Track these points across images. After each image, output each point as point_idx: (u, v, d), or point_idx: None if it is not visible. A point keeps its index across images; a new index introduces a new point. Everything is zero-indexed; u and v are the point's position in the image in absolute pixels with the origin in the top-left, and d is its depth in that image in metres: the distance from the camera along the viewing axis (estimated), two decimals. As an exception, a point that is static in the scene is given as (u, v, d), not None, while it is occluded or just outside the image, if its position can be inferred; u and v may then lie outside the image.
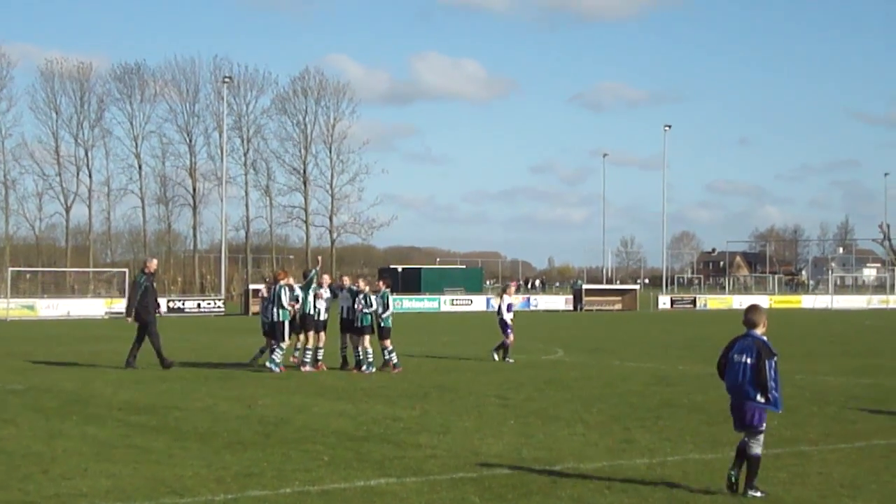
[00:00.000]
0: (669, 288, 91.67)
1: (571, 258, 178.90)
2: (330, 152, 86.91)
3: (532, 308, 65.52)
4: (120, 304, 55.72)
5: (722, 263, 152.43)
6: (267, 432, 13.81)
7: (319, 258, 27.33)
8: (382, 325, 22.46)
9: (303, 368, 22.51)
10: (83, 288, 73.96)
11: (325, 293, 23.12)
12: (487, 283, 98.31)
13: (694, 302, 75.38)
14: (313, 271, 23.46)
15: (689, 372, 22.96)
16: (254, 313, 49.57)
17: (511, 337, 25.51)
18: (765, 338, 10.21)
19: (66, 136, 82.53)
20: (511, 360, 25.00)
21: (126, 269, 62.29)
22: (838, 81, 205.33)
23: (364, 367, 22.37)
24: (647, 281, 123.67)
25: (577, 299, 69.61)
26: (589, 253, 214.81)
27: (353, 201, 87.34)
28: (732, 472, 10.11)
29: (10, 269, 62.34)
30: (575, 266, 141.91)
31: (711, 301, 76.90)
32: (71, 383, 19.92)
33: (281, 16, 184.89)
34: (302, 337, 23.00)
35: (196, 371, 22.27)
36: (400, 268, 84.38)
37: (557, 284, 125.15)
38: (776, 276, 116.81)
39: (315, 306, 22.89)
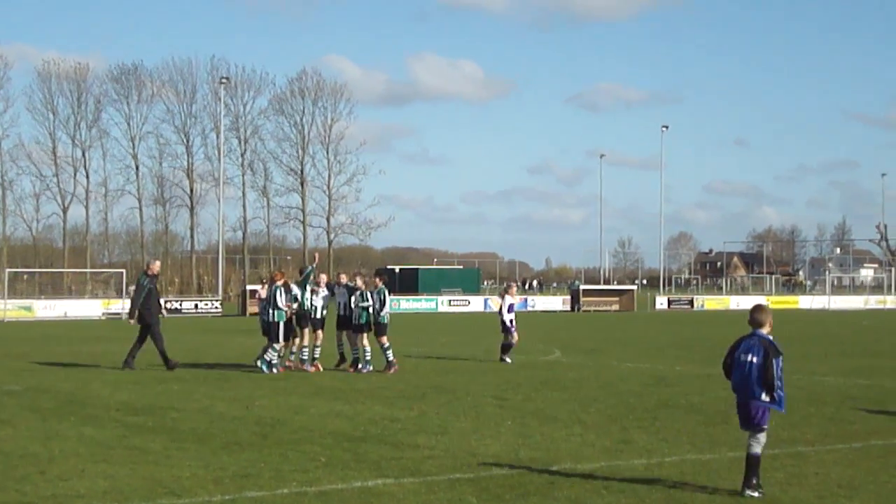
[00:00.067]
0: (667, 288, 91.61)
1: (569, 259, 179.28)
2: (327, 153, 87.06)
3: (529, 309, 65.50)
4: (117, 305, 55.90)
5: (719, 264, 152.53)
6: (264, 433, 13.81)
7: (316, 255, 27.33)
8: (379, 322, 22.46)
9: (301, 367, 22.51)
10: (80, 289, 73.93)
11: (323, 291, 23.13)
12: (485, 283, 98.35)
13: (691, 302, 75.39)
14: (310, 268, 23.47)
15: (686, 372, 22.97)
16: (251, 314, 49.54)
17: (515, 337, 25.51)
18: (771, 337, 10.24)
19: (63, 137, 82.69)
20: (509, 361, 25.01)
21: (123, 270, 62.27)
22: (836, 82, 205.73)
23: (361, 366, 22.38)
24: (644, 282, 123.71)
25: (575, 300, 69.62)
26: (586, 253, 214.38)
27: (350, 202, 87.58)
28: (748, 491, 10.05)
29: (8, 269, 62.30)
30: (572, 267, 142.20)
31: (709, 302, 76.91)
32: (68, 384, 19.90)
33: (278, 17, 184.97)
34: (299, 337, 22.98)
35: (193, 372, 22.25)
36: (397, 268, 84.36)
37: (555, 285, 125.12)
38: (773, 277, 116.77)
39: (312, 303, 22.91)
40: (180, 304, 58.48)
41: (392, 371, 22.15)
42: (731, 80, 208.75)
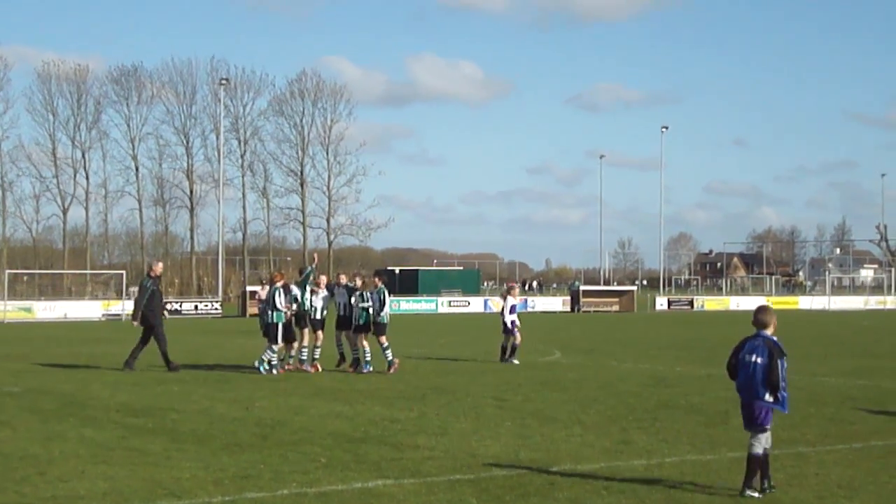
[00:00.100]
0: (667, 289, 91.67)
1: (569, 259, 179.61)
2: (327, 154, 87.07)
3: (529, 309, 65.48)
4: (117, 307, 55.89)
5: (719, 265, 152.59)
6: (264, 434, 13.80)
7: (315, 255, 27.31)
8: (379, 321, 22.44)
9: (300, 367, 22.52)
10: (80, 290, 73.95)
11: (322, 292, 23.12)
12: (485, 284, 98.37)
13: (691, 303, 75.39)
14: (309, 268, 23.48)
15: (686, 373, 22.96)
16: (251, 315, 49.54)
17: (518, 338, 25.48)
18: (775, 338, 10.27)
19: (63, 139, 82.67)
20: (515, 362, 25.01)
21: (123, 272, 62.23)
22: (836, 82, 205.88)
23: (362, 367, 22.37)
24: (644, 282, 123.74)
25: (575, 300, 69.60)
26: (586, 254, 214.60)
27: (350, 203, 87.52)
28: (748, 491, 10.06)
29: (8, 271, 62.25)
30: (572, 267, 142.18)
31: (709, 302, 76.91)
32: (68, 385, 19.90)
33: (278, 18, 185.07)
34: (297, 340, 22.97)
35: (193, 373, 22.25)
36: (397, 269, 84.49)
37: (555, 286, 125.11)
38: (773, 278, 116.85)
39: (312, 304, 22.91)
40: (180, 306, 58.46)
41: (393, 370, 22.13)
42: (730, 81, 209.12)
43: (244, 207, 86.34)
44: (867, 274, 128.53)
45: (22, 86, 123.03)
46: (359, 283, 23.04)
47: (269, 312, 22.43)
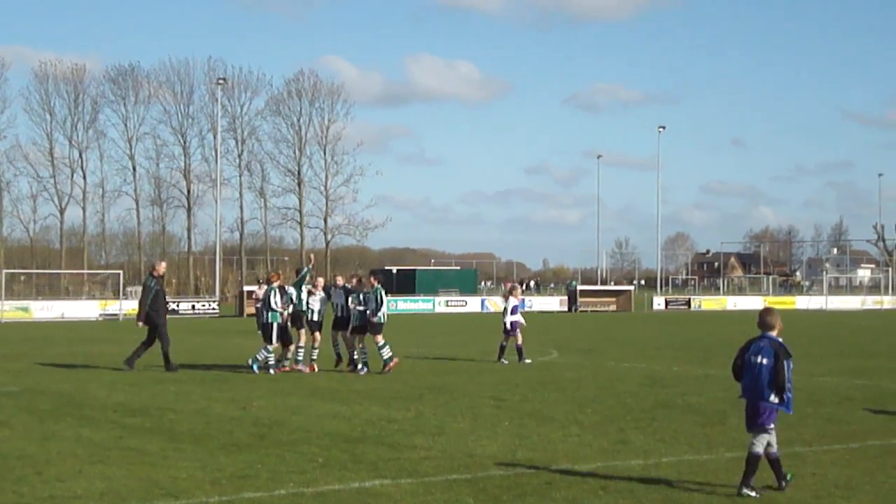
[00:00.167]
0: (664, 289, 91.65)
1: (566, 259, 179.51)
2: (324, 154, 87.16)
3: (527, 309, 65.42)
4: (114, 306, 55.88)
5: (716, 264, 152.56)
6: (261, 434, 13.80)
7: (312, 256, 27.32)
8: (375, 322, 22.37)
9: (295, 367, 22.50)
10: (77, 290, 73.90)
11: (320, 294, 23.11)
12: (482, 284, 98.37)
13: (688, 303, 75.43)
14: (306, 269, 23.48)
15: (683, 373, 22.97)
16: (248, 315, 49.53)
17: (519, 338, 25.46)
18: (780, 339, 10.30)
19: (60, 138, 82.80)
20: (505, 362, 25.01)
21: (120, 271, 62.24)
22: (833, 82, 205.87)
23: (360, 368, 22.35)
24: (642, 282, 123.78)
25: (572, 300, 69.61)
26: (584, 254, 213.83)
27: (347, 203, 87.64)
28: (745, 490, 10.08)
29: (5, 270, 62.09)
30: (570, 267, 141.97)
31: (706, 302, 76.94)
32: (65, 385, 19.89)
33: (275, 17, 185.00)
34: (294, 341, 22.96)
35: (191, 373, 22.24)
36: (394, 269, 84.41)
37: (552, 285, 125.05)
38: (770, 277, 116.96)
39: (308, 305, 22.89)
40: (177, 305, 58.38)
41: (388, 369, 22.05)
42: (728, 81, 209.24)
43: (241, 207, 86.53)
44: (864, 274, 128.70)
45: (19, 85, 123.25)
46: (355, 284, 23.03)
47: (265, 312, 22.45)
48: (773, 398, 10.14)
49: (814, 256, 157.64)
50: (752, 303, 78.53)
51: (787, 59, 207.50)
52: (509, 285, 27.27)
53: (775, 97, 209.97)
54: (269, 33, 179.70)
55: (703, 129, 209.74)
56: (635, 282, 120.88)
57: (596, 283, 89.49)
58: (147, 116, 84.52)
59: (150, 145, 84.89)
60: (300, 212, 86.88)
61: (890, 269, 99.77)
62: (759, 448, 10.18)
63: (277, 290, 22.54)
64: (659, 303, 73.41)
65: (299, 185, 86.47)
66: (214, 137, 77.75)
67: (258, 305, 23.15)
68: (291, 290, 22.75)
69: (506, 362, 24.95)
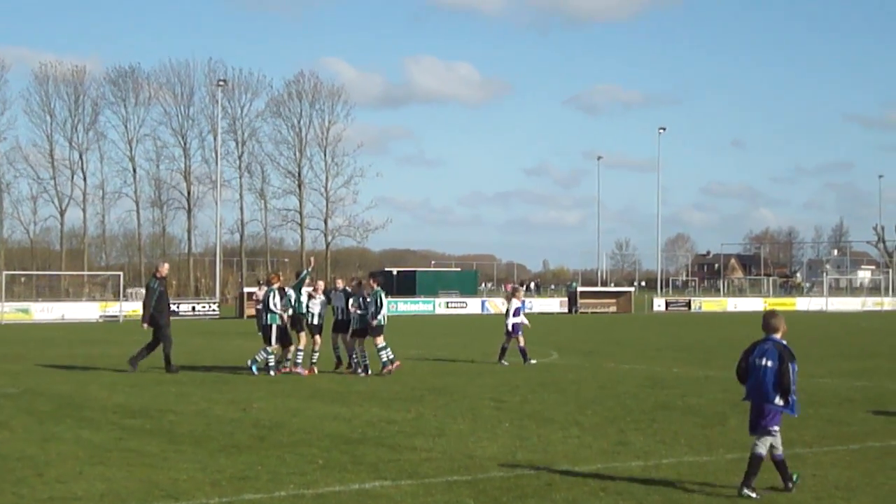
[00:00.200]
0: (664, 290, 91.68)
1: (566, 261, 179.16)
2: (324, 155, 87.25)
3: (527, 311, 65.46)
4: (114, 308, 55.89)
5: (717, 266, 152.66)
6: (261, 435, 13.80)
7: (312, 259, 27.29)
8: (375, 324, 22.31)
9: (294, 369, 22.48)
10: (77, 291, 73.95)
11: (320, 297, 23.06)
12: (482, 285, 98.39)
13: (689, 304, 75.40)
14: (305, 271, 23.46)
15: (683, 374, 22.97)
16: (248, 316, 49.55)
17: (521, 340, 25.44)
18: (784, 342, 10.33)
19: (60, 140, 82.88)
20: (506, 363, 25.01)
21: (120, 273, 62.26)
22: (833, 84, 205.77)
23: (360, 371, 22.32)
24: (642, 283, 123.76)
25: (572, 302, 69.61)
26: (584, 255, 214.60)
27: (347, 204, 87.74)
28: (746, 490, 10.08)
29: (5, 272, 62.14)
30: (570, 268, 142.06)
31: (706, 303, 76.90)
32: (65, 387, 19.90)
33: (275, 19, 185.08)
34: (294, 343, 22.95)
35: (191, 374, 22.24)
36: (395, 270, 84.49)
37: (552, 287, 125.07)
38: (771, 279, 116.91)
39: (308, 308, 22.87)
40: (177, 307, 58.37)
41: (386, 371, 22.02)
42: (728, 82, 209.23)
43: (241, 209, 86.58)
44: (864, 275, 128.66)
45: (19, 87, 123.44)
46: (355, 286, 22.98)
47: (265, 314, 22.45)
48: (778, 400, 10.18)
49: (814, 258, 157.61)
50: (753, 304, 78.54)
51: (787, 60, 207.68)
52: (510, 287, 27.27)
53: (775, 98, 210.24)
54: (270, 35, 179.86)
55: (704, 130, 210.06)
56: (635, 283, 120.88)
57: (596, 285, 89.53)
58: (147, 118, 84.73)
59: (151, 147, 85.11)
60: (300, 213, 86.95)
61: (890, 271, 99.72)
62: (762, 450, 10.19)
63: (277, 292, 22.54)
64: (659, 304, 73.40)
65: (299, 186, 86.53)
66: (215, 139, 77.85)
67: (258, 307, 23.15)
68: (291, 293, 22.75)
69: (506, 364, 24.95)
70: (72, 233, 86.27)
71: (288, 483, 10.59)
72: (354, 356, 22.63)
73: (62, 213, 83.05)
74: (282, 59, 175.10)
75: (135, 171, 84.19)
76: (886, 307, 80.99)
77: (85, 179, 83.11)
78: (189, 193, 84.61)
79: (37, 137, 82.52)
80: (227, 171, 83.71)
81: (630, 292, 75.59)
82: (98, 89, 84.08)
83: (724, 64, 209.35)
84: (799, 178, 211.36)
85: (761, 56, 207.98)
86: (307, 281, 23.19)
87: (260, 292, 23.63)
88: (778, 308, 75.53)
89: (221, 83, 73.11)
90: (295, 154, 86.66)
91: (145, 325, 23.22)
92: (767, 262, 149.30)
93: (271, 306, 22.36)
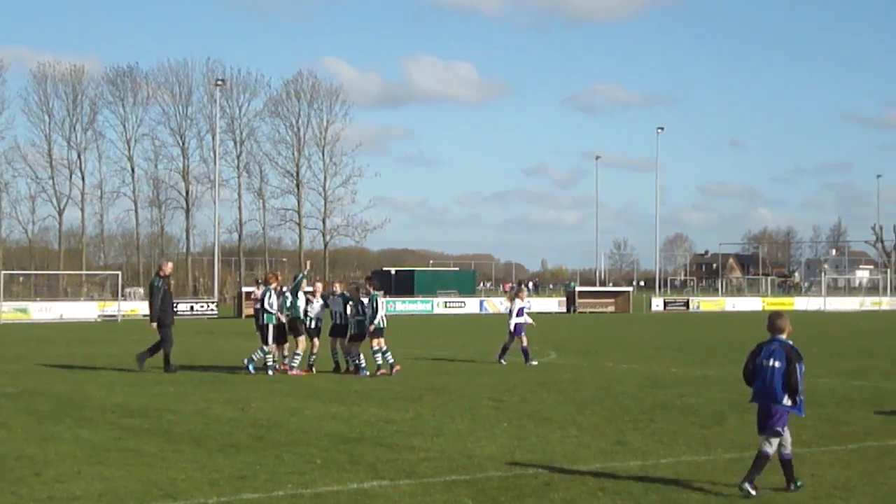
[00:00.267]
0: (662, 290, 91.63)
1: (564, 260, 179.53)
2: (323, 155, 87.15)
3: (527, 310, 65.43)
4: (112, 307, 55.88)
5: (715, 265, 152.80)
6: (260, 435, 13.80)
7: (308, 262, 27.24)
8: (374, 328, 22.23)
9: (290, 371, 22.45)
10: (76, 291, 73.88)
11: (318, 301, 22.96)
12: (481, 285, 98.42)
13: (687, 304, 75.44)
14: (301, 275, 23.39)
15: (682, 374, 22.98)
16: (247, 316, 49.52)
17: (524, 340, 25.41)
18: (790, 342, 10.35)
19: (58, 139, 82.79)
20: (504, 363, 25.01)
21: (119, 273, 62.21)
22: (831, 83, 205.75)
23: (360, 373, 22.26)
24: (641, 283, 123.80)
25: (571, 301, 69.63)
26: (582, 255, 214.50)
27: (346, 204, 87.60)
28: (746, 485, 10.10)
29: (3, 272, 62.13)
30: (568, 268, 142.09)
31: (704, 303, 76.94)
32: (64, 386, 19.90)
33: (273, 18, 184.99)
34: (290, 342, 22.93)
35: (189, 374, 22.24)
36: (393, 270, 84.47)
37: (551, 287, 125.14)
38: (769, 279, 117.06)
39: (307, 313, 22.76)
40: (176, 306, 58.21)
41: (394, 371, 21.96)
42: (726, 82, 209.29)
43: (240, 208, 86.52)
44: (863, 275, 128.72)
45: (17, 87, 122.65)
46: (353, 291, 22.89)
47: (261, 314, 22.45)
48: (787, 401, 10.22)
49: (812, 257, 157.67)
50: (751, 304, 78.58)
51: (785, 60, 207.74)
52: (509, 286, 27.28)
53: (774, 98, 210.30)
54: (268, 34, 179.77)
55: (702, 130, 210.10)
56: (634, 283, 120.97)
57: (594, 285, 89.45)
58: (146, 118, 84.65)
59: (149, 146, 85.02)
60: (299, 213, 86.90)
61: (888, 271, 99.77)
62: (770, 449, 10.21)
63: (273, 293, 22.53)
64: (657, 304, 73.43)
65: (298, 186, 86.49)
66: (213, 138, 77.69)
67: (257, 306, 23.14)
68: (288, 296, 22.71)
69: (504, 363, 24.95)
70: (70, 232, 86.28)
71: (286, 482, 10.59)
72: (356, 359, 22.52)
73: (60, 213, 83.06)
74: (280, 59, 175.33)
75: (133, 170, 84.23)
76: (884, 307, 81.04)
77: (83, 179, 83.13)
78: (187, 193, 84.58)
79: (35, 137, 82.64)
80: (226, 170, 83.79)
81: (628, 292, 75.61)
82: (96, 89, 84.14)
83: (723, 64, 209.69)
84: (797, 178, 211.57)
85: (760, 56, 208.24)
86: (304, 283, 23.11)
87: (258, 292, 23.59)
88: (776, 308, 75.57)
89: (220, 83, 73.02)
90: (293, 154, 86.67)
91: (154, 325, 23.19)
92: (766, 262, 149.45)
93: (266, 306, 22.35)
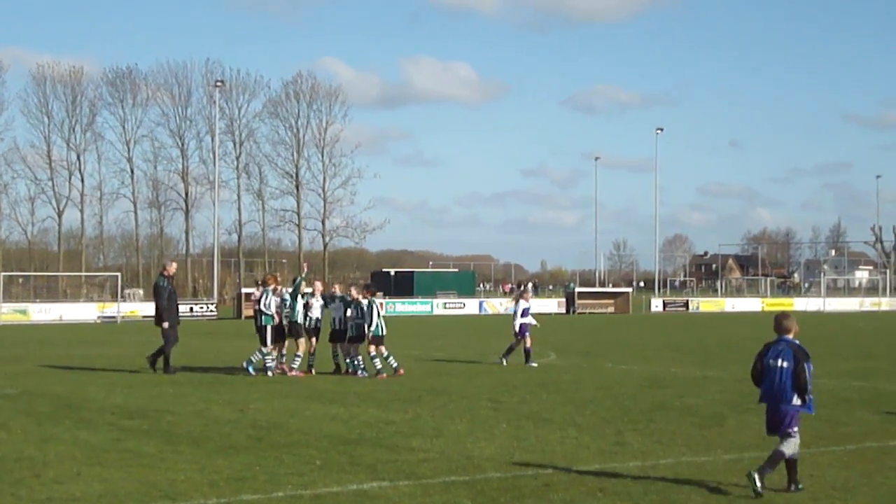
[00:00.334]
0: (662, 291, 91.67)
1: (564, 261, 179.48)
2: (322, 156, 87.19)
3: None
4: (112, 309, 55.88)
5: (714, 266, 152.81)
6: (259, 436, 13.81)
7: (305, 265, 27.18)
8: (372, 335, 22.17)
9: (289, 373, 22.43)
10: (75, 292, 73.85)
11: (318, 302, 22.94)
12: (480, 286, 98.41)
13: (686, 305, 75.46)
14: (299, 278, 23.32)
15: (681, 375, 22.98)
16: (246, 317, 49.52)
17: (528, 341, 25.38)
18: (798, 342, 10.38)
19: (58, 141, 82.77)
20: (504, 363, 25.01)
21: (118, 274, 62.17)
22: (830, 83, 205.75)
23: (359, 374, 22.25)
24: (641, 284, 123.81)
25: (570, 302, 69.63)
26: (581, 256, 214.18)
27: (345, 205, 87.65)
28: (756, 475, 10.12)
29: (3, 273, 62.13)
30: (567, 269, 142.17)
31: (704, 304, 76.96)
32: (63, 387, 19.89)
33: (273, 20, 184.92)
34: (290, 343, 22.91)
35: (188, 375, 22.24)
36: (393, 271, 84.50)
37: (550, 287, 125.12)
38: (768, 279, 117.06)
39: (306, 315, 22.71)
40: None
41: (394, 375, 21.91)
42: (725, 83, 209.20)
43: (239, 209, 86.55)
44: (862, 275, 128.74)
45: (17, 88, 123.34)
46: (353, 293, 22.82)
47: (260, 315, 22.44)
48: (796, 400, 10.28)
49: (812, 258, 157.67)
50: (750, 304, 78.60)
51: (784, 60, 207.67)
52: (508, 287, 27.28)
53: (773, 99, 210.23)
54: (267, 36, 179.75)
55: (701, 130, 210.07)
56: (633, 284, 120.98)
57: (594, 285, 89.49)
58: (145, 119, 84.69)
59: (148, 148, 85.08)
60: (298, 214, 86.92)
61: (888, 271, 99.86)
62: (788, 450, 10.28)
63: (271, 294, 22.52)
64: (657, 305, 73.44)
65: (297, 187, 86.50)
66: (212, 140, 77.77)
67: (256, 307, 23.13)
68: (286, 296, 22.69)
69: (506, 363, 24.95)
70: (69, 234, 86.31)
71: (286, 484, 10.59)
72: (356, 360, 22.47)
73: (60, 214, 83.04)
74: (279, 60, 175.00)
75: (132, 171, 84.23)
76: (884, 307, 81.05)
77: (82, 180, 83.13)
78: (187, 194, 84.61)
79: (34, 138, 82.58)
80: (225, 171, 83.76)
81: (628, 293, 75.62)
82: (95, 90, 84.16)
83: (722, 64, 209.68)
84: (796, 179, 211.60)
85: (759, 56, 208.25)
86: (303, 286, 23.06)
87: (257, 293, 23.56)
88: (776, 309, 75.60)
89: (219, 84, 73.04)
90: (292, 155, 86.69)
91: (165, 325, 23.13)
92: (765, 263, 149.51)
93: (263, 308, 22.35)
